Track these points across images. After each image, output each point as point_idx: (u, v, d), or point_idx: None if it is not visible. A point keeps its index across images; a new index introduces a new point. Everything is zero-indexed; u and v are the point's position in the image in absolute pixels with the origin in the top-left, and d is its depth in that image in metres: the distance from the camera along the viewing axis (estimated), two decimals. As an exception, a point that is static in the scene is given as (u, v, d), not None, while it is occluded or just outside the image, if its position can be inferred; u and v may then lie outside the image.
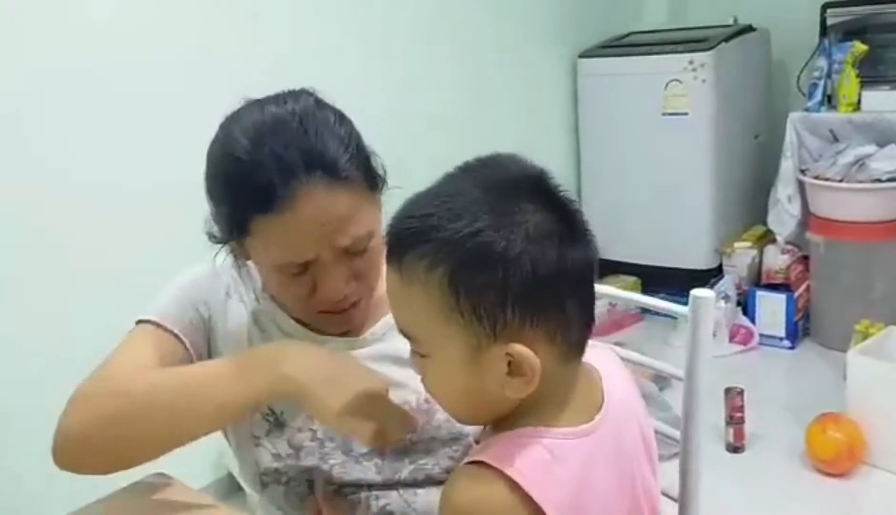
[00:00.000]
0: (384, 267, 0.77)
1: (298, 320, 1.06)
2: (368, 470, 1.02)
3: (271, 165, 0.89)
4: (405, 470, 1.02)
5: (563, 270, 0.73)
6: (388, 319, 1.02)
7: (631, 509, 0.81)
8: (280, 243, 0.92)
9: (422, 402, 1.00)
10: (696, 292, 1.06)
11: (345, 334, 1.06)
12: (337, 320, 1.02)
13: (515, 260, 0.71)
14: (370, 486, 1.02)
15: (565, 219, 0.75)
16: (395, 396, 0.98)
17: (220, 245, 1.01)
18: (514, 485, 0.70)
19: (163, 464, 1.01)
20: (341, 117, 0.96)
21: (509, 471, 0.70)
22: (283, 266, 0.95)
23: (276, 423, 1.02)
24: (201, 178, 0.98)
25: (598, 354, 0.84)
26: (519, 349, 0.72)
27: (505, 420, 0.77)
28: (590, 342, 0.81)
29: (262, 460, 1.02)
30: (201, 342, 1.06)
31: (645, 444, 0.85)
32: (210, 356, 1.06)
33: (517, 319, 0.72)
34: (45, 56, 1.95)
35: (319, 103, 0.96)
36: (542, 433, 0.73)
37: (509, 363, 0.73)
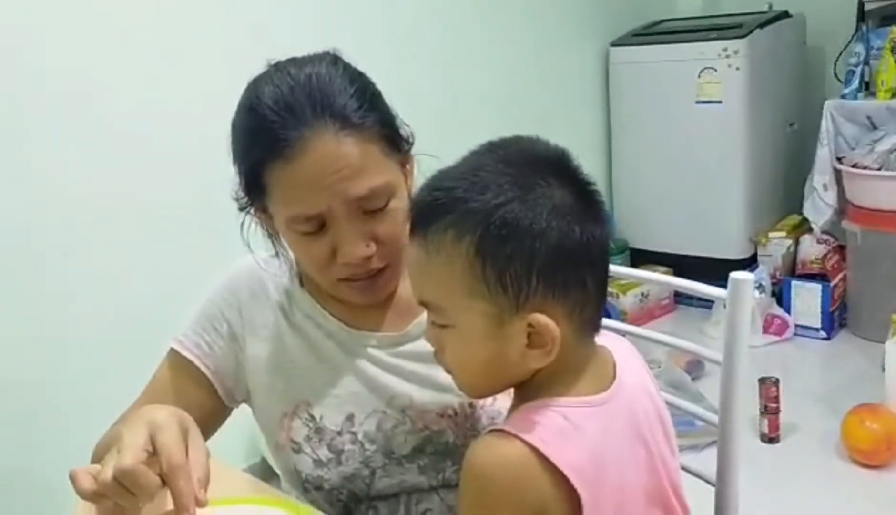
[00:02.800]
0: None
1: (337, 318, 1.04)
2: (411, 472, 1.00)
3: (281, 112, 0.90)
4: (449, 470, 1.01)
5: (586, 245, 0.75)
6: (423, 319, 0.95)
7: (650, 482, 0.81)
8: (293, 192, 0.91)
9: (466, 407, 0.99)
10: (735, 274, 1.04)
11: (379, 326, 1.03)
12: (361, 288, 0.99)
13: (542, 233, 0.73)
14: (411, 491, 1.01)
15: (585, 197, 0.77)
16: (439, 400, 0.99)
17: (245, 212, 1.01)
18: (532, 449, 0.71)
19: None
20: (358, 74, 0.96)
21: (527, 437, 0.72)
22: (298, 221, 0.93)
23: (316, 428, 1.01)
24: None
25: (610, 338, 0.86)
26: (541, 318, 0.73)
27: (523, 394, 0.79)
28: (603, 330, 0.83)
29: (304, 467, 1.01)
30: (226, 363, 1.06)
31: (661, 421, 0.85)
32: (246, 371, 1.06)
33: (540, 290, 0.74)
34: (50, 57, 1.94)
35: (337, 62, 0.96)
36: (559, 402, 0.75)
37: (529, 335, 0.74)
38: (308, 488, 1.01)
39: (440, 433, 1.00)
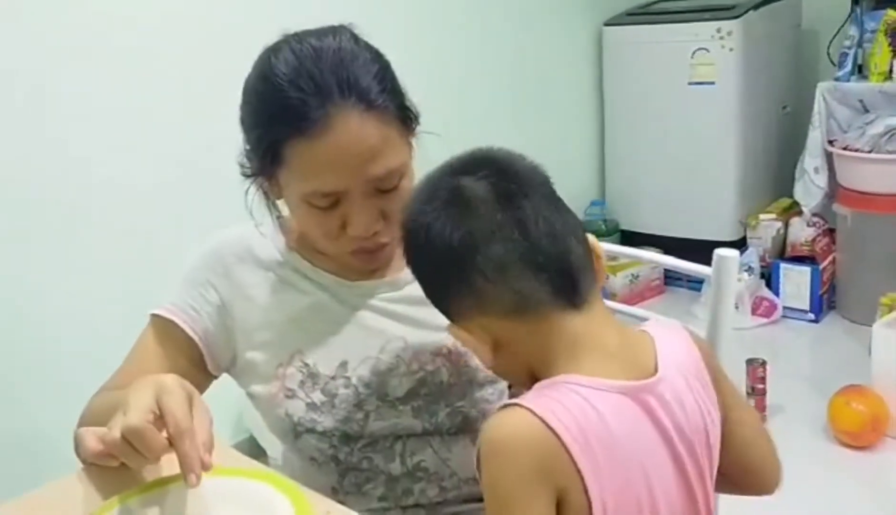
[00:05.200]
0: None
1: (326, 270, 1.06)
2: (405, 414, 1.02)
3: (307, 87, 0.91)
4: (442, 413, 1.03)
5: (455, 244, 0.80)
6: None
7: (682, 502, 0.80)
8: (313, 169, 0.93)
9: (458, 344, 1.00)
10: (720, 250, 1.04)
11: (372, 274, 1.06)
12: (365, 259, 1.02)
13: (429, 246, 0.82)
14: (406, 437, 1.02)
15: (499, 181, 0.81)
16: (433, 339, 1.02)
17: (251, 179, 1.02)
18: (535, 415, 0.73)
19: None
20: (378, 53, 0.98)
21: (534, 406, 0.74)
22: (315, 196, 0.95)
23: (309, 374, 1.03)
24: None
25: (660, 328, 0.85)
26: (450, 329, 0.84)
27: (537, 375, 0.81)
28: (660, 319, 0.86)
29: (297, 411, 1.02)
30: (214, 328, 1.06)
31: (706, 435, 0.82)
32: (235, 335, 1.06)
33: (438, 297, 0.85)
34: (60, 38, 1.94)
35: (357, 38, 0.97)
36: (571, 378, 0.76)
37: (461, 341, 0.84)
38: (300, 431, 1.02)
39: (435, 372, 1.03)
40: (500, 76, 3.09)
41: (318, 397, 1.02)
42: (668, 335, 0.84)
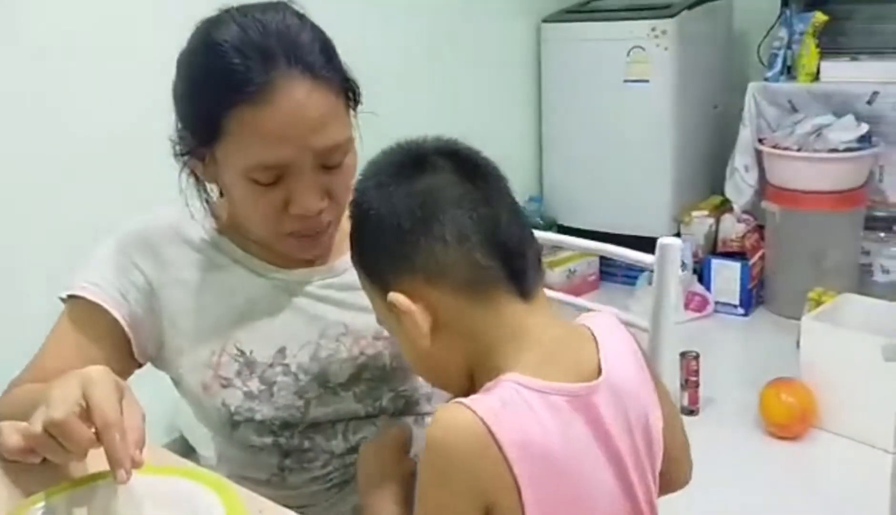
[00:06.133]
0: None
1: (258, 257, 1.02)
2: (347, 400, 1.00)
3: (251, 53, 0.88)
4: (385, 398, 1.01)
5: (417, 204, 0.76)
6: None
7: (620, 490, 0.77)
8: (256, 139, 0.89)
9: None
10: (664, 239, 1.04)
11: (309, 263, 1.03)
12: (305, 244, 0.99)
13: (385, 205, 0.77)
14: (348, 419, 1.00)
15: (422, 154, 0.79)
16: (373, 323, 0.97)
17: (184, 159, 0.98)
18: (482, 420, 0.69)
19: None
20: (321, 30, 0.96)
21: (478, 407, 0.70)
22: (257, 170, 0.91)
23: (246, 362, 0.99)
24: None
25: (600, 321, 0.83)
26: (393, 296, 0.76)
27: (478, 382, 0.77)
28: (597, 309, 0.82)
29: (233, 400, 0.98)
30: (141, 312, 1.01)
31: (647, 428, 0.80)
32: (162, 321, 1.02)
33: (384, 268, 0.78)
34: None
35: (301, 14, 0.95)
36: (517, 378, 0.73)
37: (399, 316, 0.77)
38: (237, 421, 0.98)
39: (376, 357, 1.01)
40: (437, 70, 3.07)
41: (255, 385, 0.98)
42: (609, 330, 0.82)
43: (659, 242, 1.04)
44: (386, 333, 0.97)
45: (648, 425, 0.80)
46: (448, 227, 0.75)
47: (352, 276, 0.93)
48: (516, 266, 0.77)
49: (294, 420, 0.99)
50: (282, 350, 0.99)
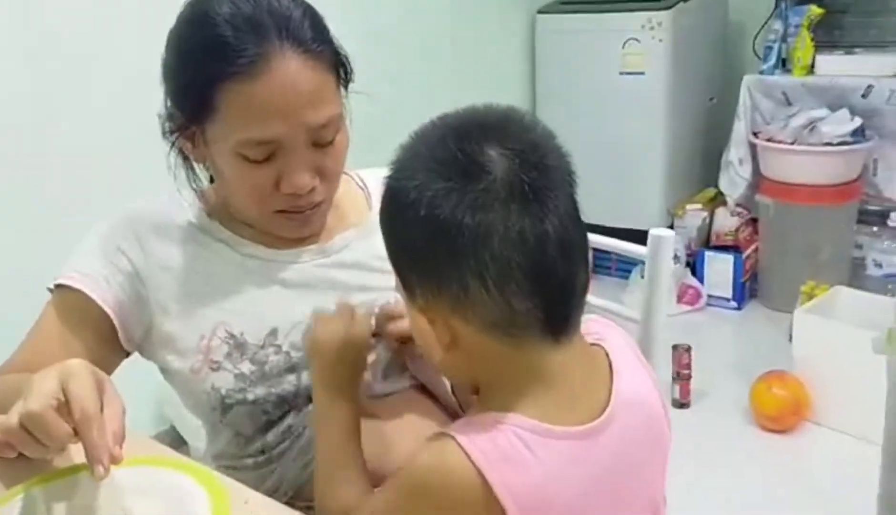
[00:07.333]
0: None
1: (248, 238, 1.01)
2: None
3: (244, 26, 0.88)
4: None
5: (473, 235, 0.66)
6: (346, 234, 1.04)
7: None
8: (249, 113, 0.89)
9: (393, 303, 0.96)
10: (655, 230, 1.03)
11: (299, 243, 1.02)
12: (296, 222, 0.98)
13: (427, 216, 0.68)
14: None
15: (524, 176, 0.69)
16: (365, 299, 0.97)
17: (173, 138, 0.97)
18: (478, 471, 0.66)
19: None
20: (312, 7, 0.95)
21: (476, 456, 0.66)
22: (249, 146, 0.91)
23: (236, 344, 0.98)
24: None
25: (615, 343, 0.78)
26: (412, 312, 0.73)
27: (483, 400, 0.74)
28: (598, 320, 0.78)
29: (225, 383, 0.97)
30: (127, 299, 1.00)
31: (657, 448, 0.78)
32: (149, 306, 1.00)
33: (410, 274, 0.72)
34: None
35: None
36: (522, 423, 0.68)
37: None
38: (229, 404, 0.97)
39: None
40: (431, 61, 3.05)
41: (247, 367, 0.97)
42: (622, 351, 0.78)
43: (651, 233, 1.03)
44: (377, 308, 0.96)
45: (658, 437, 0.78)
46: (490, 264, 0.67)
47: (343, 257, 0.93)
48: (557, 309, 0.70)
49: (288, 394, 0.98)
50: (273, 332, 0.98)
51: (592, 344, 0.77)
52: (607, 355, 0.76)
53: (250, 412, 0.98)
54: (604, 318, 0.82)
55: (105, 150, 2.07)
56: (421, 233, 0.69)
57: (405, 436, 0.93)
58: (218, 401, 0.98)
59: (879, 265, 3.02)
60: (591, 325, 0.79)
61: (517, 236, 0.67)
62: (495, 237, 0.67)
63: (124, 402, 0.80)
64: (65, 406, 0.75)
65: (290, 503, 0.91)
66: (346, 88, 0.97)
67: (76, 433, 0.75)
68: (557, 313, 0.70)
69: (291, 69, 0.88)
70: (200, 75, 0.90)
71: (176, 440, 2.19)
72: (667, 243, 1.02)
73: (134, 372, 1.05)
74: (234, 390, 0.97)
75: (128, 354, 1.03)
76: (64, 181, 2.03)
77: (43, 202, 2.00)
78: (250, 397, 0.97)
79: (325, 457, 0.84)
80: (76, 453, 0.81)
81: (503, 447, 0.67)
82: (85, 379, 0.77)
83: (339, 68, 0.95)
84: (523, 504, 0.66)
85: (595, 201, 3.75)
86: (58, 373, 0.77)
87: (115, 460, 0.74)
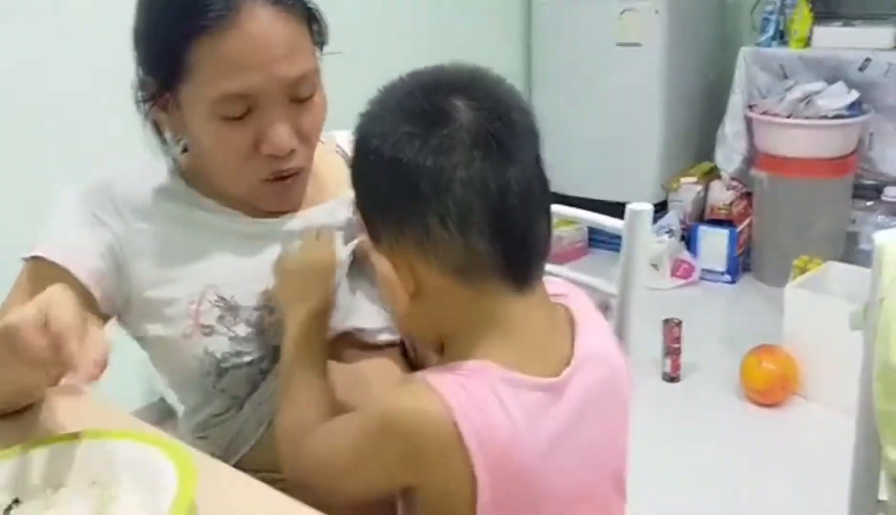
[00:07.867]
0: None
1: (229, 206, 1.00)
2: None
3: None
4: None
5: (436, 179, 0.69)
6: (326, 206, 1.02)
7: (583, 483, 0.76)
8: (221, 68, 0.88)
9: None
10: (633, 205, 1.02)
11: (281, 214, 1.01)
12: (278, 189, 0.98)
13: (392, 159, 0.70)
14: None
15: (491, 125, 0.71)
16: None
17: (146, 108, 0.96)
18: (449, 412, 0.67)
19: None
20: None
21: (452, 402, 0.68)
22: (224, 102, 0.90)
23: (228, 307, 0.97)
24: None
25: (577, 302, 0.80)
26: (376, 258, 0.74)
27: (448, 353, 0.75)
28: (560, 282, 0.79)
29: (219, 346, 0.96)
30: (105, 267, 0.98)
31: (617, 397, 0.79)
32: (129, 275, 0.99)
33: (375, 219, 0.74)
34: None
35: None
36: (489, 369, 0.70)
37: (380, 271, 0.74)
38: (225, 368, 0.96)
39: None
40: (425, 31, 3.02)
41: (241, 329, 0.96)
42: (587, 311, 0.80)
43: (628, 207, 1.02)
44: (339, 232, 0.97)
45: (620, 393, 0.79)
46: (451, 207, 0.69)
47: (332, 219, 0.94)
48: (517, 256, 0.72)
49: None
50: (265, 292, 0.97)
51: (555, 304, 0.79)
52: (569, 312, 0.78)
53: (247, 374, 0.97)
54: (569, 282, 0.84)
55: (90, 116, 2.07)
56: (385, 176, 0.71)
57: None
58: (213, 366, 0.96)
59: (874, 240, 3.00)
60: (554, 286, 0.81)
61: (479, 182, 0.69)
62: (457, 181, 0.69)
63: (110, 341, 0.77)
64: (45, 328, 0.72)
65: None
66: (320, 46, 0.96)
67: (55, 352, 0.71)
68: (518, 260, 0.72)
69: (263, 21, 0.88)
70: (170, 35, 0.89)
71: (164, 413, 2.19)
72: (644, 217, 1.02)
73: (122, 344, 1.04)
74: (230, 353, 0.96)
75: (108, 318, 1.01)
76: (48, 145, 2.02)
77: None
78: (247, 358, 0.96)
79: (293, 384, 0.85)
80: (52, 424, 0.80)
81: (478, 397, 0.68)
82: (67, 305, 0.74)
83: (312, 23, 0.95)
84: (489, 453, 0.67)
85: (589, 175, 3.76)
86: (36, 302, 0.75)
87: (93, 376, 0.70)
